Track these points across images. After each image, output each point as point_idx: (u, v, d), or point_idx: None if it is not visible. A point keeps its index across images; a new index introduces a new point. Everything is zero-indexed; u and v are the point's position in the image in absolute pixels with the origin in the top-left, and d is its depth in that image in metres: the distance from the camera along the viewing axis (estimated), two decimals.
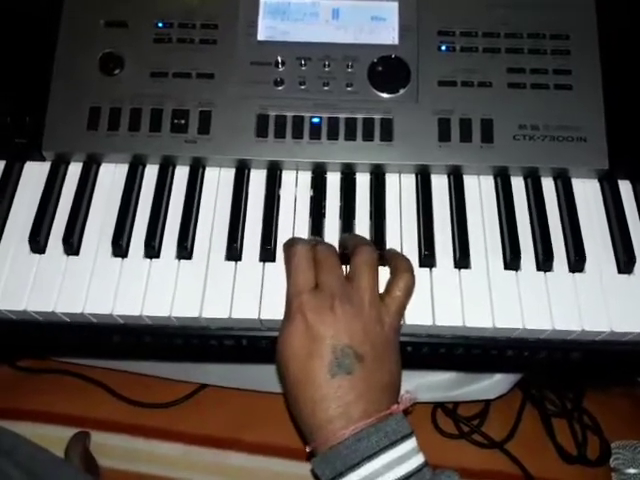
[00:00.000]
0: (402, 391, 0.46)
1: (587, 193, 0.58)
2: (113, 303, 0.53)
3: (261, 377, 0.72)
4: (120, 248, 0.55)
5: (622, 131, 0.57)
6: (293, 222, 0.57)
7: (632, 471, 0.74)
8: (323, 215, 0.57)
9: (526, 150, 0.57)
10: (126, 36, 0.60)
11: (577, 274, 0.54)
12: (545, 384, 0.81)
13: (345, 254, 0.51)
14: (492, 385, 0.71)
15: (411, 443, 0.42)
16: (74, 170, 0.59)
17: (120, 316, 0.53)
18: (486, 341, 0.53)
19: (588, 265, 0.54)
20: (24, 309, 0.53)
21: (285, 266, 0.51)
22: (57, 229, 0.56)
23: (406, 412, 0.44)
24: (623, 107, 0.58)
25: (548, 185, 0.58)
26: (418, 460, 0.42)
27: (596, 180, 0.59)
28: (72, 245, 0.55)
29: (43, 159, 0.59)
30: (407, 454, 0.41)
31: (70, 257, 0.55)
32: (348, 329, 0.43)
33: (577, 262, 0.54)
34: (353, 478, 0.40)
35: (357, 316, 0.44)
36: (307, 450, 0.43)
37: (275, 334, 0.54)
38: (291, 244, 0.50)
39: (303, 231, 0.56)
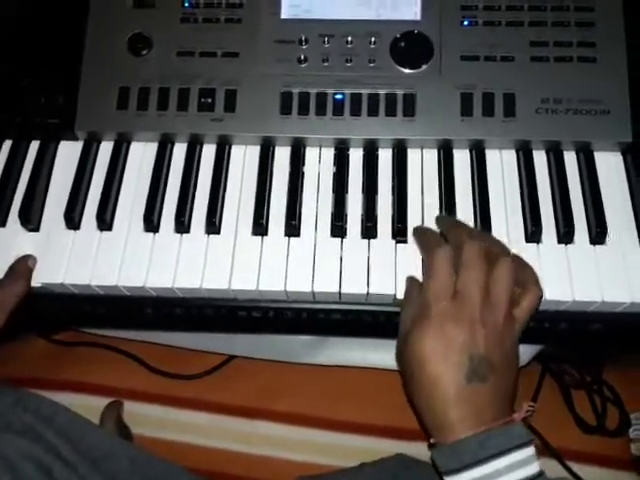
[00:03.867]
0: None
1: (610, 166, 0.58)
2: (146, 276, 0.55)
3: (287, 348, 0.74)
4: (152, 223, 0.57)
5: None
6: (317, 198, 0.58)
7: None
8: (346, 191, 0.58)
9: (548, 124, 0.57)
10: (153, 17, 0.62)
11: (598, 246, 0.54)
12: (564, 357, 0.81)
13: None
14: None
15: (531, 450, 0.44)
16: (106, 149, 0.61)
17: (152, 288, 0.55)
18: None
19: (609, 237, 0.54)
20: (61, 282, 0.55)
21: (423, 259, 0.53)
22: (91, 206, 0.58)
23: (524, 420, 0.46)
24: None
25: (570, 159, 0.59)
26: (536, 468, 0.44)
27: (619, 153, 0.59)
28: (105, 221, 0.57)
29: (76, 138, 0.61)
30: (528, 459, 0.44)
31: (104, 233, 0.57)
32: (485, 340, 0.45)
33: (598, 234, 0.54)
34: (475, 474, 0.43)
35: (494, 329, 0.46)
36: (431, 441, 0.46)
37: (300, 305, 0.56)
38: (428, 236, 0.53)
39: (327, 207, 0.57)
